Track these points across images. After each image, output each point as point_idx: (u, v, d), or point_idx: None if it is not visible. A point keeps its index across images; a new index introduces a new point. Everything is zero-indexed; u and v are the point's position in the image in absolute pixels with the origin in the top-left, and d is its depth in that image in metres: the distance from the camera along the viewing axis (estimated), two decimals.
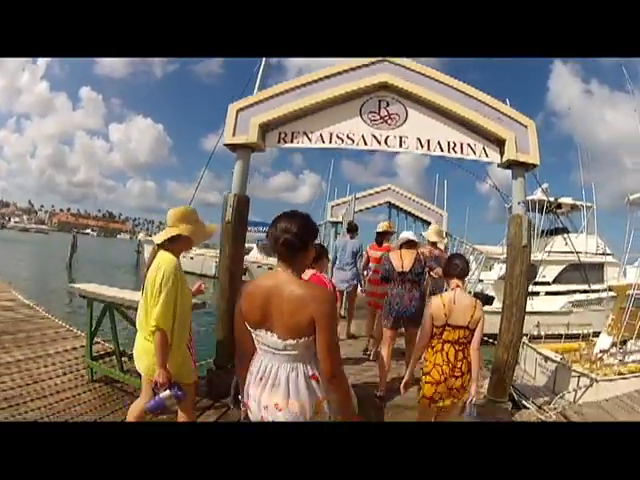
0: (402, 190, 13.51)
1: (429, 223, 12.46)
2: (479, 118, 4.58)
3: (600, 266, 16.53)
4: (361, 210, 12.57)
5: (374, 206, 13.25)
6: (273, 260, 24.13)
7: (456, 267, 3.47)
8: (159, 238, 2.91)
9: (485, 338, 3.59)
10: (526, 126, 4.63)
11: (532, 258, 14.20)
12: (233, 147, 4.95)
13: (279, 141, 4.94)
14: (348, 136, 4.77)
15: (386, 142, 4.73)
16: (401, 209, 13.60)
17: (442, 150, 4.68)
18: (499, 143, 4.68)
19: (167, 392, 2.74)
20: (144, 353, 2.89)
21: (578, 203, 18.04)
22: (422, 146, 4.69)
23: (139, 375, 3.08)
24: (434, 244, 6.46)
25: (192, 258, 33.37)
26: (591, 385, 7.24)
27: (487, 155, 4.70)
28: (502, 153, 4.64)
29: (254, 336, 2.07)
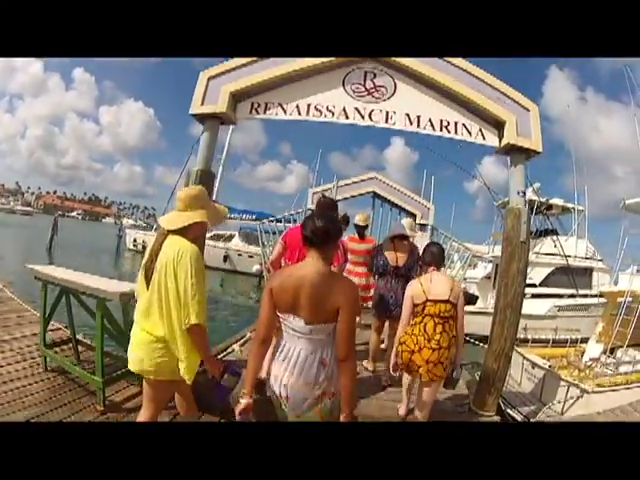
0: (388, 180, 12.71)
1: (415, 215, 11.97)
2: (477, 96, 4.06)
3: (589, 271, 16.25)
4: (345, 198, 11.86)
5: (358, 195, 12.41)
6: (255, 248, 23.74)
7: (432, 254, 3.68)
8: (174, 224, 2.57)
9: (467, 338, 3.80)
10: (528, 110, 4.13)
11: None
12: (201, 118, 4.44)
13: (251, 112, 4.41)
14: (328, 108, 4.24)
15: (370, 116, 4.20)
16: (386, 200, 12.77)
17: (434, 128, 4.16)
18: (498, 125, 4.17)
19: (226, 377, 2.68)
20: (152, 351, 2.54)
21: (569, 205, 17.69)
22: (411, 123, 4.16)
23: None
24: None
25: None
26: (581, 396, 6.88)
27: (484, 137, 4.18)
28: (501, 137, 4.14)
29: (282, 320, 2.23)
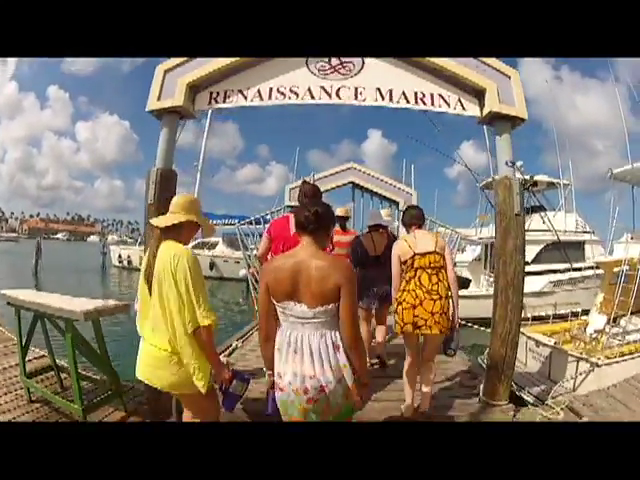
0: (365, 168, 12.33)
1: (397, 203, 11.66)
2: (452, 65, 3.76)
3: (581, 244, 16.16)
4: (326, 191, 11.54)
5: (336, 187, 11.97)
6: (239, 254, 23.33)
7: (411, 216, 3.78)
8: (165, 221, 2.53)
9: (463, 322, 3.99)
10: (509, 76, 3.87)
11: None
12: (159, 114, 4.13)
13: (210, 102, 4.10)
14: (291, 90, 3.91)
15: (338, 94, 3.87)
16: (366, 189, 12.35)
17: (408, 101, 3.84)
18: (478, 94, 3.89)
19: (234, 383, 2.60)
20: (170, 365, 2.44)
21: (555, 180, 17.49)
22: (382, 97, 3.85)
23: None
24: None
25: None
26: (592, 370, 6.56)
27: (464, 108, 3.87)
28: (482, 106, 3.86)
29: (281, 310, 2.20)
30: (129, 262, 34.92)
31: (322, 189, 11.08)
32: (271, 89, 3.92)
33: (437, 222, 9.56)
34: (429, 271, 3.51)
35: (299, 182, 11.45)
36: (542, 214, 15.38)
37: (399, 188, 12.20)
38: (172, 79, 4.00)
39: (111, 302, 3.90)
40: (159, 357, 2.44)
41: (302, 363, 2.13)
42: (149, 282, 2.50)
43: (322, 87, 3.89)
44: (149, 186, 3.92)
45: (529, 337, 8.11)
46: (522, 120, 3.83)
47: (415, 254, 3.54)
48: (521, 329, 8.42)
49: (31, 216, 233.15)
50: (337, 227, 6.34)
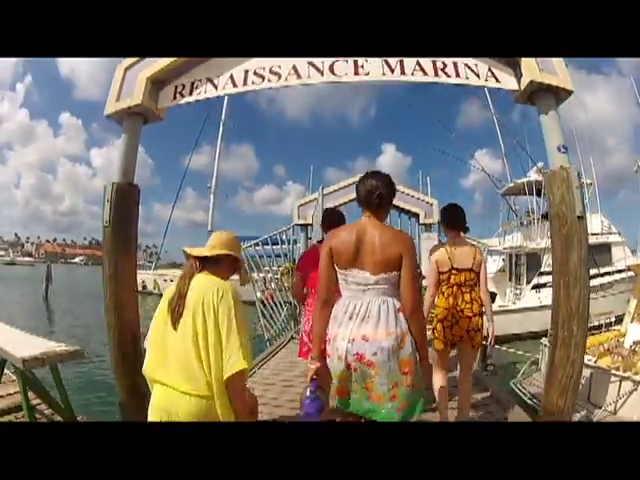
0: None
1: (417, 215, 10.51)
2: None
3: (607, 247, 15.13)
4: (336, 207, 10.48)
5: (349, 202, 9.98)
6: (257, 275, 22.34)
7: (456, 216, 3.51)
8: (209, 251, 2.34)
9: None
10: None
11: (535, 246, 12.52)
12: (119, 118, 3.44)
13: (175, 97, 3.33)
14: (272, 71, 3.10)
15: (332, 70, 3.03)
16: None
17: (425, 73, 2.95)
18: (511, 63, 2.98)
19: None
20: (213, 414, 2.13)
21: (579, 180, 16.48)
22: (392, 70, 2.99)
23: None
24: None
25: (172, 280, 31.75)
26: (635, 389, 5.65)
27: (497, 79, 2.97)
28: (519, 76, 2.95)
29: (343, 277, 2.25)
30: (144, 287, 34.54)
31: (333, 204, 10.15)
32: (246, 73, 3.14)
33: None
34: (464, 289, 3.36)
35: (308, 198, 10.41)
36: None
37: (418, 198, 10.79)
38: (133, 76, 3.30)
39: (60, 347, 3.52)
40: (199, 406, 2.11)
41: (353, 327, 2.17)
42: (174, 316, 2.18)
43: (311, 63, 3.07)
44: (104, 204, 3.22)
45: None
46: (568, 93, 2.95)
47: (452, 268, 3.36)
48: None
49: (47, 241, 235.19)
50: None
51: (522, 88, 2.92)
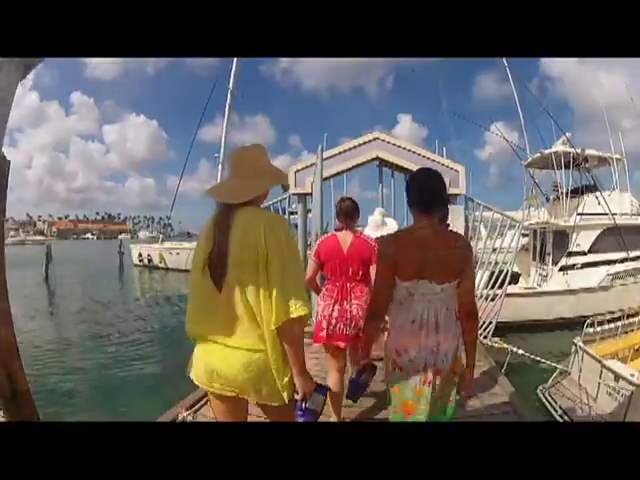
0: (395, 140, 8.54)
1: None
2: None
3: (638, 228, 13.73)
4: (343, 172, 8.70)
5: (357, 166, 8.45)
6: None
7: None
8: (244, 194, 1.98)
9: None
10: None
11: (562, 223, 11.41)
12: None
13: None
14: None
15: None
16: (397, 167, 8.78)
17: None
18: None
19: (314, 395, 2.12)
20: (268, 370, 1.93)
21: (606, 155, 15.14)
22: None
23: None
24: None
25: (178, 253, 31.25)
26: None
27: None
28: None
29: (407, 289, 2.17)
30: (149, 260, 34.25)
31: (338, 169, 8.74)
32: None
33: (489, 207, 7.61)
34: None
35: (305, 163, 8.56)
36: (597, 194, 13.19)
37: (439, 163, 8.26)
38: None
39: None
40: (252, 361, 1.91)
41: (427, 337, 2.15)
42: (216, 261, 1.93)
43: None
44: None
45: (607, 368, 6.09)
46: None
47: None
48: (593, 351, 6.62)
49: (59, 218, 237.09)
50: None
51: None
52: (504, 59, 21.60)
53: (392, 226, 5.11)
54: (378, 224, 5.21)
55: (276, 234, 1.90)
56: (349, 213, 3.60)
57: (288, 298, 1.85)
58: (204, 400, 4.25)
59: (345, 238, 3.55)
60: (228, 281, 1.93)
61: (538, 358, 7.32)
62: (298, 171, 8.08)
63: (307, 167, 7.82)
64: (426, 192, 2.20)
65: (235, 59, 25.64)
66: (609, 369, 5.98)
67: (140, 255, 35.68)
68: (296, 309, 1.85)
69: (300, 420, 2.17)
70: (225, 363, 1.95)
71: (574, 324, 9.68)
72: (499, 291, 7.46)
